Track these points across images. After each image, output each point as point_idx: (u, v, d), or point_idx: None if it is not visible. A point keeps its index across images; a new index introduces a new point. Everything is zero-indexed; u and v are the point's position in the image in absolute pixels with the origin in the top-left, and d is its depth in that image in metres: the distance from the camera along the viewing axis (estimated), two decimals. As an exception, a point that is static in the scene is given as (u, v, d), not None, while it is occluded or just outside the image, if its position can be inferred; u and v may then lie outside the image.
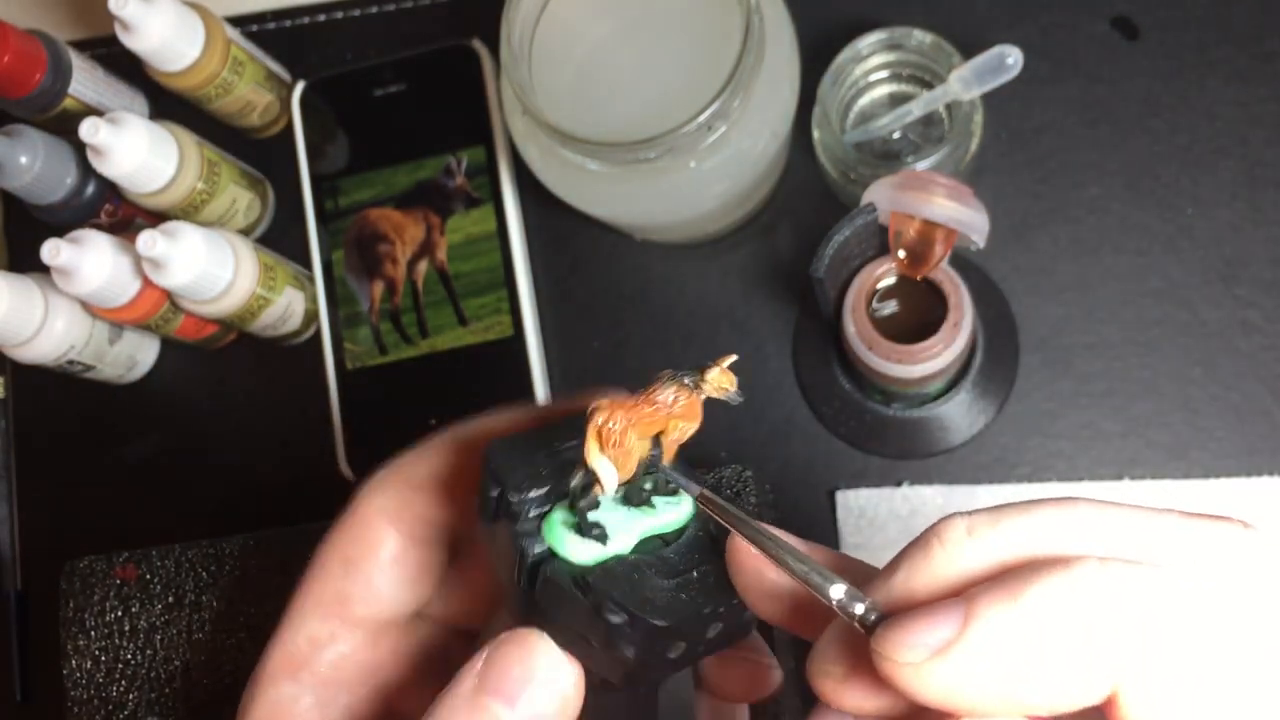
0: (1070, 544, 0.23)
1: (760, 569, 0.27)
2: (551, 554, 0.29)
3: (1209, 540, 0.24)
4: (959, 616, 0.22)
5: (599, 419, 0.27)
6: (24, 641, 0.60)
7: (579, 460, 0.28)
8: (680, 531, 0.30)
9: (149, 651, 0.53)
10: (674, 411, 0.28)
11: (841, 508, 0.54)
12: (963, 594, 0.23)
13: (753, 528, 0.27)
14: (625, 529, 0.29)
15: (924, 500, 0.54)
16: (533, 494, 0.29)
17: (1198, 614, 0.22)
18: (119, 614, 0.53)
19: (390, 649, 0.35)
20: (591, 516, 0.29)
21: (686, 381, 0.28)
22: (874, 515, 0.54)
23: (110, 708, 0.53)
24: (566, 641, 0.29)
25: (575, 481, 0.28)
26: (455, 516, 0.34)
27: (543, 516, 0.29)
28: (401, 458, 0.35)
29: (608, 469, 0.28)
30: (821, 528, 0.55)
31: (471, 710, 0.28)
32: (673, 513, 0.30)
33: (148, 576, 0.53)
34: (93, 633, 0.53)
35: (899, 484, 0.55)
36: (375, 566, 0.34)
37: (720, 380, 0.28)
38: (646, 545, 0.29)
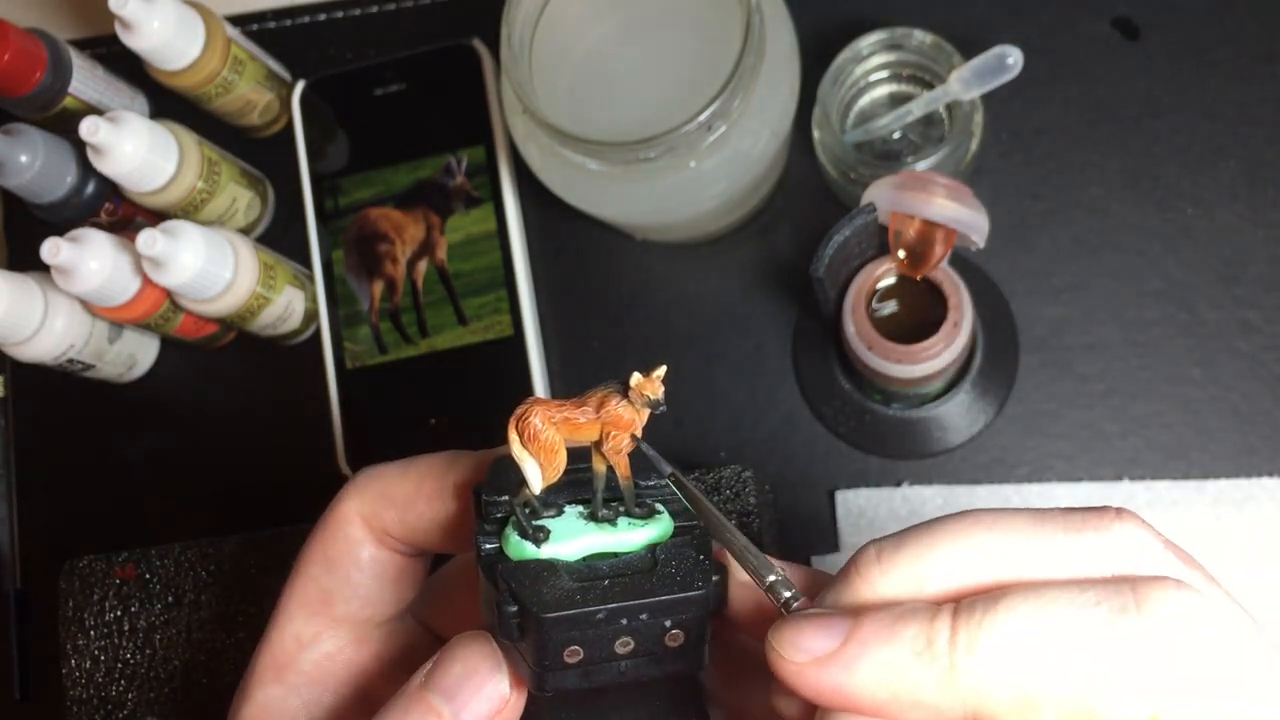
0: (964, 566, 0.26)
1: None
2: (503, 553, 0.29)
3: (1079, 543, 0.26)
4: (842, 633, 0.26)
5: (518, 410, 0.28)
6: (23, 641, 0.60)
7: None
8: (634, 554, 0.30)
9: (148, 651, 0.53)
10: (603, 418, 0.28)
11: (841, 507, 0.54)
12: (858, 613, 0.26)
13: (714, 514, 0.29)
14: (571, 539, 0.29)
15: (924, 500, 0.54)
16: (504, 498, 0.30)
17: (1052, 655, 0.24)
18: (118, 613, 0.53)
19: (375, 652, 0.35)
20: (548, 524, 0.29)
21: (615, 388, 0.28)
22: (874, 515, 0.54)
23: (109, 707, 0.53)
24: (505, 648, 0.30)
25: (509, 477, 0.29)
26: (425, 535, 0.34)
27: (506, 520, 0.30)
28: (384, 466, 0.35)
29: (529, 465, 0.28)
30: (822, 527, 0.55)
31: (415, 704, 0.30)
32: (632, 535, 0.30)
33: (147, 576, 0.53)
34: (92, 632, 0.53)
35: (899, 484, 0.55)
36: (354, 565, 0.34)
37: (644, 388, 0.28)
38: (598, 561, 0.29)
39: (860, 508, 0.54)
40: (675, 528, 0.30)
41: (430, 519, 0.34)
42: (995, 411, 0.54)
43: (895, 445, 0.55)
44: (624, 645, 0.28)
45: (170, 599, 0.53)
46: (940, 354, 0.47)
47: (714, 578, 0.29)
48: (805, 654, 0.26)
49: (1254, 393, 0.54)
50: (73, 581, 0.54)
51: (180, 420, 0.62)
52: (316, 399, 0.59)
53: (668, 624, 0.28)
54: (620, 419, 0.28)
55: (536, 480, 0.28)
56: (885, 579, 0.27)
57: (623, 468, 0.29)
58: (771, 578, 0.28)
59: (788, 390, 0.57)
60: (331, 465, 0.59)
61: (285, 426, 0.60)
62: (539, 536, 0.29)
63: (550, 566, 0.29)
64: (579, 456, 0.30)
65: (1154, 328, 0.55)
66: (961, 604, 0.25)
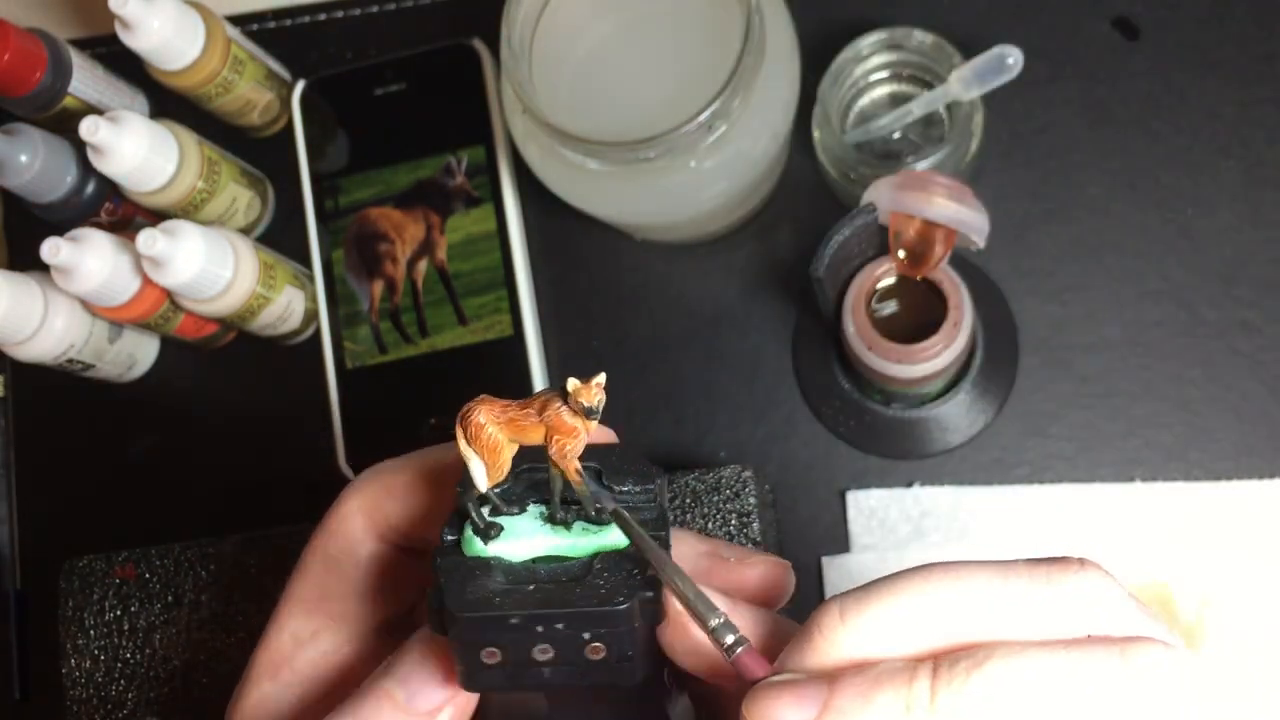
0: (931, 622, 0.26)
1: (687, 626, 0.28)
2: (458, 547, 0.30)
3: (1045, 596, 0.26)
4: (818, 702, 0.25)
5: (463, 408, 0.28)
6: (23, 640, 0.60)
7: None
8: (577, 560, 0.30)
9: (148, 650, 0.53)
10: (545, 420, 0.28)
11: (853, 508, 0.54)
12: (832, 679, 0.25)
13: (658, 553, 0.28)
14: (521, 538, 0.29)
15: (935, 501, 0.54)
16: (470, 504, 0.30)
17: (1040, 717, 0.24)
18: (118, 613, 0.53)
19: (373, 655, 0.35)
20: (505, 520, 0.30)
21: (556, 393, 0.28)
22: (885, 516, 0.54)
23: (109, 707, 0.53)
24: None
25: (462, 476, 0.29)
26: (426, 527, 0.34)
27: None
28: (384, 462, 0.35)
29: (474, 463, 0.28)
30: (823, 527, 0.55)
31: (372, 690, 0.30)
32: (583, 540, 0.29)
33: (147, 576, 0.53)
34: (92, 632, 0.53)
35: (910, 484, 0.55)
36: (354, 563, 0.34)
37: (580, 395, 0.28)
38: (544, 564, 0.29)
39: (871, 509, 0.54)
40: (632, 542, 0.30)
41: (430, 509, 0.34)
42: (995, 411, 0.54)
43: (895, 445, 0.55)
44: (543, 652, 0.28)
45: (170, 599, 0.53)
46: (940, 354, 0.47)
47: (646, 594, 0.28)
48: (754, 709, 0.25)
49: (1254, 393, 0.54)
50: (73, 581, 0.54)
51: (180, 420, 0.62)
52: (316, 399, 0.59)
53: (586, 636, 0.28)
54: (562, 424, 0.28)
55: (481, 478, 0.29)
56: (850, 638, 0.26)
57: (571, 472, 0.29)
58: (714, 621, 0.27)
59: (788, 390, 0.57)
60: (331, 465, 0.58)
61: (285, 426, 0.60)
62: (489, 533, 0.29)
63: (486, 565, 0.29)
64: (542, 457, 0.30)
65: (1154, 328, 0.55)
66: (941, 664, 0.25)
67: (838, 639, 0.26)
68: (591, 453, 0.30)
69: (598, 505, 0.29)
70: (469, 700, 0.31)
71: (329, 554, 0.35)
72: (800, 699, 0.25)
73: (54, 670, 0.54)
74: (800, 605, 0.55)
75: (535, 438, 0.29)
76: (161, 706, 0.52)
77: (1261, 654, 0.51)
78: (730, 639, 0.27)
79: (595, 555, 0.29)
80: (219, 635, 0.52)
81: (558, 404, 0.28)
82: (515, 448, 0.29)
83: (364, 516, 0.34)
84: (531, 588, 0.28)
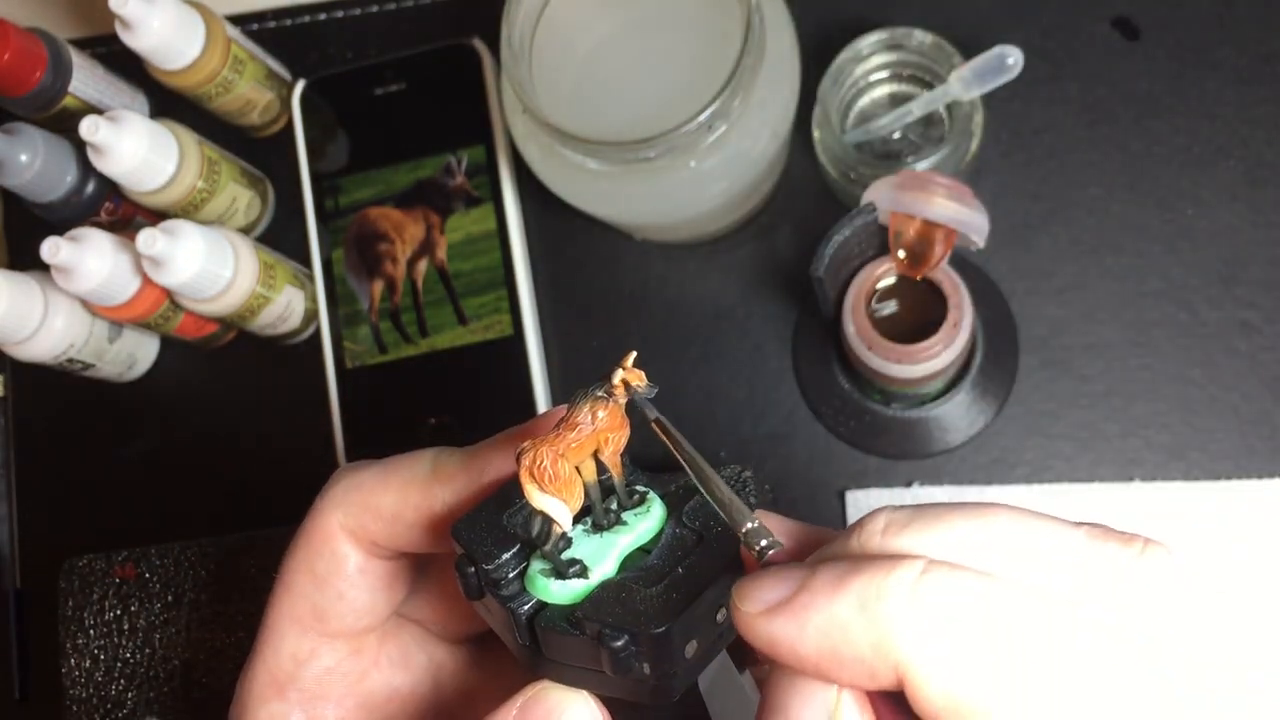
0: (971, 552, 0.24)
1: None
2: (542, 604, 0.29)
3: (1103, 564, 0.25)
4: (795, 584, 0.24)
5: (525, 461, 0.27)
6: (23, 639, 0.60)
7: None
8: (658, 537, 0.30)
9: (148, 650, 0.53)
10: (598, 427, 0.28)
11: (852, 508, 0.54)
12: (810, 566, 0.25)
13: (696, 459, 0.28)
14: (604, 555, 0.29)
15: (934, 500, 0.54)
16: (505, 556, 0.29)
17: (1001, 628, 0.23)
18: (118, 612, 0.53)
19: (373, 657, 0.35)
20: (567, 555, 0.29)
21: (599, 394, 0.28)
22: None
23: (109, 706, 0.53)
24: (587, 682, 0.29)
25: (536, 529, 0.28)
26: (406, 545, 0.34)
27: (522, 573, 0.29)
28: (363, 471, 0.34)
29: (556, 506, 0.27)
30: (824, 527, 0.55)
31: None
32: (645, 523, 0.30)
33: (147, 575, 0.53)
34: (91, 631, 0.53)
35: (909, 484, 0.55)
36: (344, 580, 0.34)
37: (629, 379, 0.28)
38: (631, 562, 0.29)
39: (871, 508, 0.54)
40: (662, 496, 0.31)
41: (418, 528, 0.33)
42: (995, 411, 0.54)
43: (895, 445, 0.55)
44: (722, 614, 0.28)
45: (170, 598, 0.53)
46: (940, 354, 0.47)
47: (751, 501, 0.29)
48: (759, 604, 0.25)
49: (1254, 393, 0.54)
50: (72, 581, 0.54)
51: (180, 420, 0.62)
52: (316, 399, 0.59)
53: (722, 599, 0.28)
54: (614, 420, 0.28)
55: (567, 518, 0.28)
56: (885, 546, 0.25)
57: (618, 469, 0.29)
58: (748, 525, 0.27)
59: (788, 390, 0.57)
60: (331, 464, 0.58)
61: (285, 426, 0.60)
62: (580, 570, 0.28)
63: (613, 587, 0.28)
64: (516, 491, 0.29)
65: (1154, 328, 0.55)
66: (932, 562, 0.23)
67: (871, 546, 0.25)
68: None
69: (635, 490, 0.30)
70: None
71: (316, 571, 0.34)
72: (781, 579, 0.25)
73: (54, 670, 0.54)
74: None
75: (590, 451, 0.28)
76: (161, 706, 0.52)
77: (1262, 654, 0.51)
78: (763, 543, 0.27)
79: (669, 525, 0.30)
80: (219, 635, 0.52)
81: (603, 403, 0.28)
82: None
83: (349, 535, 0.34)
84: (679, 570, 0.28)
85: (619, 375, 0.28)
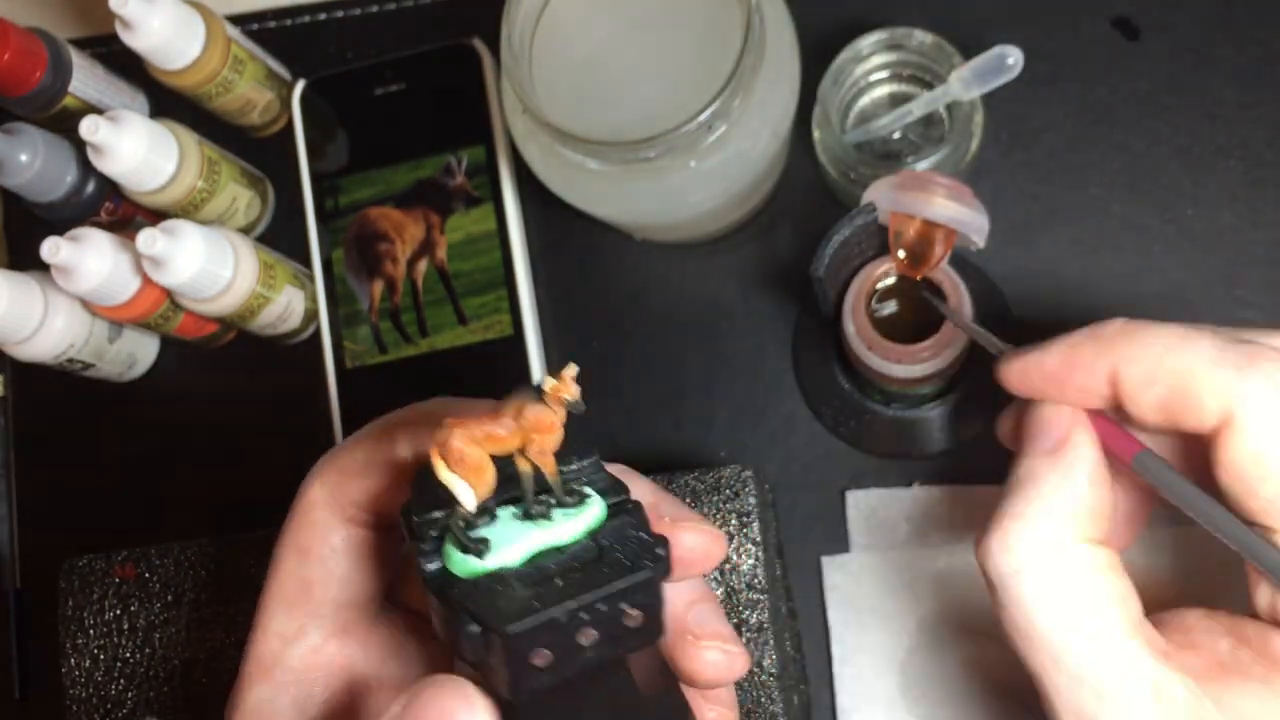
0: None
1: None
2: (448, 574, 0.29)
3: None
4: (1040, 344, 0.37)
5: (438, 437, 0.28)
6: (23, 639, 0.60)
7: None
8: (579, 543, 0.30)
9: (148, 650, 0.53)
10: (521, 425, 0.28)
11: (852, 508, 0.54)
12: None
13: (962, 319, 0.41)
14: (512, 543, 0.29)
15: (936, 501, 0.54)
16: (437, 515, 0.30)
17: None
18: (118, 612, 0.53)
19: (360, 641, 0.35)
20: (483, 532, 0.29)
21: (530, 394, 0.29)
22: (884, 516, 0.54)
23: (109, 706, 0.53)
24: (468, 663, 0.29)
25: (442, 500, 0.29)
26: (389, 500, 0.34)
27: (442, 537, 0.30)
28: (338, 445, 0.35)
29: (460, 486, 0.28)
30: (824, 527, 0.55)
31: None
32: (570, 525, 0.30)
33: (146, 575, 0.53)
34: (91, 631, 0.53)
35: (909, 484, 0.55)
36: (328, 551, 0.34)
37: (559, 390, 0.28)
38: (543, 559, 0.29)
39: (871, 508, 0.54)
40: (609, 506, 0.31)
41: (392, 482, 0.34)
42: (995, 412, 0.54)
43: (895, 445, 0.55)
44: (587, 637, 0.28)
45: (170, 598, 0.53)
46: (940, 354, 0.47)
47: (659, 550, 0.29)
48: (1014, 355, 0.38)
49: (1254, 393, 0.53)
50: (72, 581, 0.54)
51: (180, 419, 0.62)
52: (316, 399, 0.59)
53: (624, 607, 0.28)
54: (542, 422, 0.29)
55: (470, 500, 0.28)
56: (1112, 349, 0.35)
57: (549, 468, 0.29)
58: (1002, 348, 0.39)
59: (788, 390, 0.57)
60: (331, 465, 0.58)
61: (285, 426, 0.60)
62: (480, 549, 0.29)
63: (499, 577, 0.29)
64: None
65: (1154, 328, 0.54)
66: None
67: (1102, 347, 0.37)
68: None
69: (573, 461, 0.31)
70: None
71: (300, 546, 0.35)
72: (1034, 347, 0.38)
73: (54, 670, 0.54)
74: (800, 605, 0.55)
75: (513, 445, 0.29)
76: (161, 706, 0.52)
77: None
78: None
79: (590, 534, 0.30)
80: (219, 635, 0.52)
81: (535, 404, 0.28)
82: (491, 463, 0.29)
83: (328, 503, 0.34)
84: (558, 582, 0.28)
85: (549, 382, 0.28)
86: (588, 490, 0.31)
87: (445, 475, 0.28)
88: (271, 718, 0.34)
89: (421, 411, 0.36)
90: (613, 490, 0.31)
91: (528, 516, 0.30)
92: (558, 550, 0.30)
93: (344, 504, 0.34)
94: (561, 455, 0.30)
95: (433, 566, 0.29)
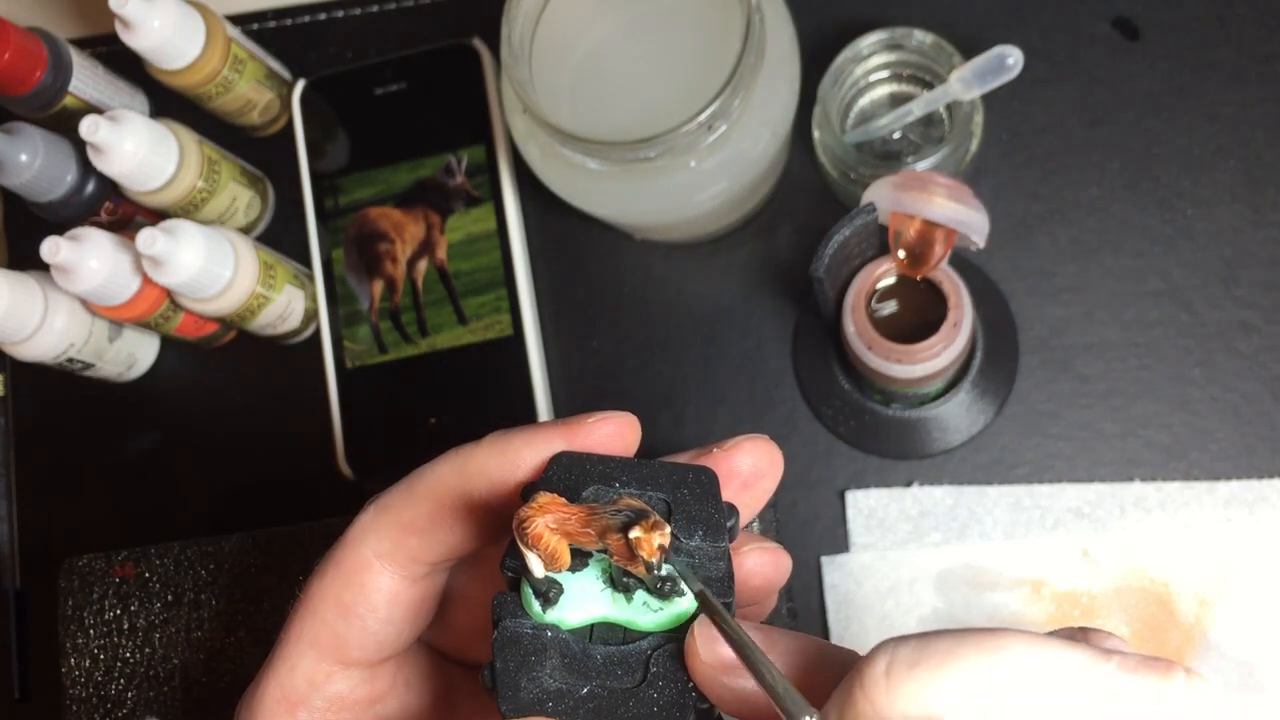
0: (989, 700, 0.23)
1: (723, 670, 0.27)
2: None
3: (1140, 703, 0.23)
4: None
5: (521, 514, 0.27)
6: (23, 639, 0.60)
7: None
8: (641, 635, 0.28)
9: (147, 650, 0.53)
10: (606, 543, 0.27)
11: (852, 508, 0.54)
12: None
13: (746, 645, 0.26)
14: (583, 605, 0.28)
15: (934, 501, 0.54)
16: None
17: None
18: (118, 612, 0.53)
19: (388, 681, 0.35)
20: (563, 580, 0.28)
21: (621, 523, 0.27)
22: (884, 516, 0.54)
23: (109, 706, 0.53)
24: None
25: (516, 558, 0.28)
26: (449, 551, 0.33)
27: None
28: (391, 496, 0.33)
29: (533, 560, 0.27)
30: (824, 527, 0.55)
31: None
32: (645, 616, 0.28)
33: (146, 575, 0.53)
34: (91, 631, 0.53)
35: (909, 484, 0.55)
36: (370, 611, 0.33)
37: (640, 547, 0.26)
38: (601, 633, 0.28)
39: (871, 508, 0.54)
40: (696, 609, 0.28)
41: (457, 522, 0.32)
42: (995, 411, 0.54)
43: (895, 445, 0.55)
44: None
45: (170, 598, 0.53)
46: (940, 354, 0.47)
47: (701, 708, 0.27)
48: None
49: (1254, 393, 0.54)
50: (72, 580, 0.54)
51: (180, 419, 0.62)
52: (316, 399, 0.59)
53: None
54: (623, 553, 0.27)
55: (539, 570, 0.27)
56: (890, 701, 0.24)
57: (638, 569, 0.27)
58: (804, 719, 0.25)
59: (788, 390, 0.57)
60: (331, 465, 0.58)
61: (285, 426, 0.60)
62: (549, 594, 0.28)
63: (544, 642, 0.28)
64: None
65: (1154, 328, 0.55)
66: None
67: (877, 700, 0.24)
68: (662, 480, 0.29)
69: (668, 581, 0.28)
70: None
71: (342, 600, 0.33)
72: None
73: (54, 669, 0.54)
74: (801, 605, 0.55)
75: (595, 547, 0.27)
76: (161, 706, 0.52)
77: (1261, 654, 0.51)
78: None
79: (653, 644, 0.28)
80: (219, 635, 0.52)
81: (619, 536, 0.26)
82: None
83: (382, 560, 0.33)
84: (585, 691, 0.27)
85: (635, 533, 0.26)
86: (682, 587, 0.28)
87: (522, 550, 0.27)
88: None
89: (482, 459, 0.33)
90: (721, 586, 0.28)
91: (611, 583, 0.28)
92: (619, 632, 0.28)
93: (402, 560, 0.33)
94: (688, 521, 0.28)
95: (510, 574, 0.29)
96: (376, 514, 0.33)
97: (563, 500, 0.27)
